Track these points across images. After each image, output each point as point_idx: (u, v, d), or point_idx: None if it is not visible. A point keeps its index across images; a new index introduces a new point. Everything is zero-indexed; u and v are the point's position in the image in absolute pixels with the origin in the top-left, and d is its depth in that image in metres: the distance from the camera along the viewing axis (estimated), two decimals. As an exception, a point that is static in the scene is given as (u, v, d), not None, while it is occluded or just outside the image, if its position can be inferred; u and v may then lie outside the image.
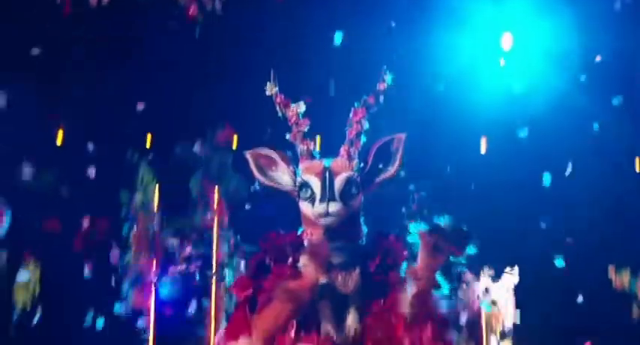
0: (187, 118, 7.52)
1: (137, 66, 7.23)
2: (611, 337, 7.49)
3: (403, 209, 5.60)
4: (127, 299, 6.80)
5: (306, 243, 3.36)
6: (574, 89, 7.64)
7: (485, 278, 7.58)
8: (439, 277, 3.25)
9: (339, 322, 3.26)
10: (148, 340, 6.83)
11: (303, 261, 3.34)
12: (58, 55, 7.22)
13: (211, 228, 7.11)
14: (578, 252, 7.67)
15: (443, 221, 3.15)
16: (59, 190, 7.42)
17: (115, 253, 6.94)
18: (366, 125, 3.58)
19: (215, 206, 7.16)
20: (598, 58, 7.37)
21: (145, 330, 6.85)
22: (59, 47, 7.17)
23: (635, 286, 6.67)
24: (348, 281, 3.30)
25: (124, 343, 7.16)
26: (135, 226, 7.06)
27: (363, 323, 3.24)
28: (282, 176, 3.53)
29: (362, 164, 3.53)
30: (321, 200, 3.33)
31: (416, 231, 3.24)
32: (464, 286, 7.56)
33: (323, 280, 3.25)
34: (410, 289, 3.19)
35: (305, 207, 3.41)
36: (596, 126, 7.89)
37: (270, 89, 3.65)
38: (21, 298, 6.91)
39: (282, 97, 3.67)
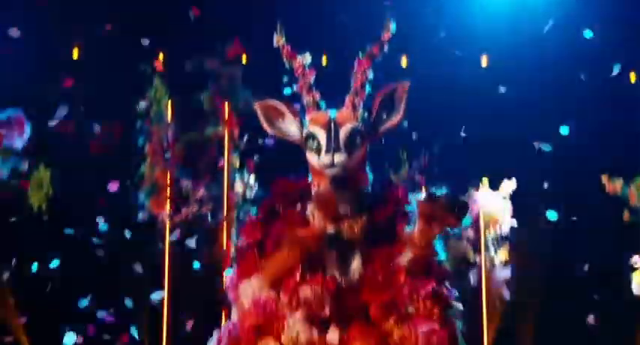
0: (198, 34, 7.41)
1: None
2: (603, 238, 7.58)
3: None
4: (144, 208, 6.85)
5: (313, 193, 3.33)
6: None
7: (484, 188, 7.63)
8: (437, 244, 3.23)
9: (344, 266, 3.27)
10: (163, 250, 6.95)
11: (311, 209, 3.33)
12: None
13: (222, 139, 7.11)
14: (573, 163, 7.69)
15: (440, 192, 3.09)
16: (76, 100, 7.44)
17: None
18: (370, 75, 3.50)
19: (226, 119, 7.14)
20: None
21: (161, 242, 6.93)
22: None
23: (626, 191, 6.69)
24: (354, 227, 3.29)
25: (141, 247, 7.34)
26: (149, 138, 7.04)
27: (367, 269, 3.24)
28: (290, 127, 3.45)
29: (366, 114, 3.46)
30: (327, 151, 3.28)
31: (414, 199, 3.19)
32: (466, 196, 7.66)
33: (330, 229, 3.24)
34: (407, 255, 3.18)
35: (312, 157, 3.36)
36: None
37: (278, 41, 3.55)
38: (35, 198, 6.94)
39: (289, 48, 3.57)
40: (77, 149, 7.29)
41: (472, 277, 7.57)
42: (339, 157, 3.27)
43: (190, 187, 6.53)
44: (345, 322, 3.11)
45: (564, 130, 7.62)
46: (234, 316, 3.29)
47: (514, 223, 7.76)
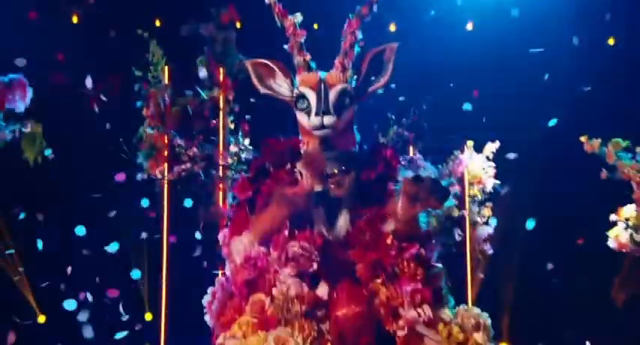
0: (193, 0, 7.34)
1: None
2: (581, 194, 7.58)
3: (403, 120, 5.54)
4: (143, 169, 6.80)
5: (302, 152, 3.31)
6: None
7: (468, 149, 7.62)
8: (420, 219, 3.22)
9: (332, 222, 3.26)
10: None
11: (300, 168, 3.31)
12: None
13: (217, 103, 7.06)
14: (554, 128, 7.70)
15: (426, 173, 3.08)
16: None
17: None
18: (359, 35, 3.45)
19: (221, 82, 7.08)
20: None
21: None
22: None
23: (604, 150, 6.69)
24: (342, 184, 3.27)
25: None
26: (147, 101, 6.99)
27: (354, 225, 3.23)
28: (280, 86, 3.43)
29: (355, 75, 3.42)
30: (317, 113, 3.26)
31: (401, 179, 3.17)
32: (452, 156, 7.66)
33: (318, 188, 3.22)
34: (390, 225, 3.17)
35: (302, 118, 3.34)
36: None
37: None
38: (30, 152, 6.86)
39: (280, 6, 3.52)
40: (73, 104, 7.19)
41: (457, 233, 7.57)
42: (329, 120, 3.26)
43: (183, 146, 6.48)
44: (333, 278, 3.11)
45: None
46: (228, 271, 3.29)
47: (497, 182, 7.77)
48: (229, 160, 6.34)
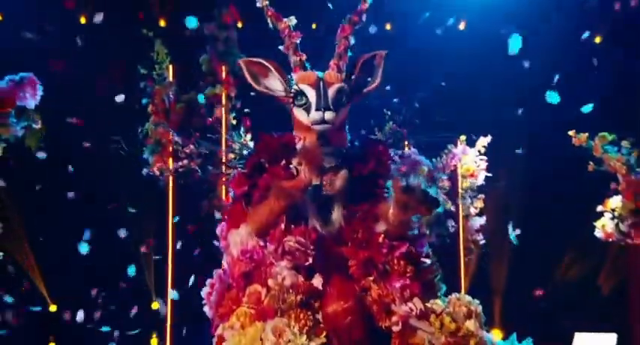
0: (196, 1, 7.31)
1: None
2: (569, 186, 7.56)
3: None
4: (149, 163, 6.76)
5: (299, 147, 3.27)
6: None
7: (461, 144, 7.60)
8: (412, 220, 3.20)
9: (326, 217, 3.22)
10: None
11: (296, 163, 3.28)
12: None
13: (220, 100, 7.02)
14: (544, 120, 7.67)
15: (416, 182, 3.05)
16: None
17: None
18: (352, 41, 3.43)
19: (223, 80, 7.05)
20: None
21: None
22: None
23: (591, 144, 6.66)
24: (335, 182, 3.24)
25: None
26: (152, 98, 6.96)
27: (347, 222, 3.19)
28: (274, 83, 3.38)
29: (353, 76, 3.40)
30: (317, 109, 3.23)
31: (392, 182, 3.13)
32: (445, 151, 7.63)
33: (317, 181, 3.18)
34: (382, 226, 3.14)
35: (299, 114, 3.30)
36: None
37: (261, 2, 3.46)
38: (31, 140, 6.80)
39: (273, 10, 3.48)
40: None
41: (450, 225, 7.56)
42: (329, 115, 3.24)
43: (180, 143, 6.43)
44: (327, 271, 3.08)
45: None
46: (225, 263, 3.26)
47: (488, 175, 7.75)
48: (231, 156, 6.28)
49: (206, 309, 3.26)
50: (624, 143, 6.52)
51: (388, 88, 4.08)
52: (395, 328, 3.00)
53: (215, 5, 7.10)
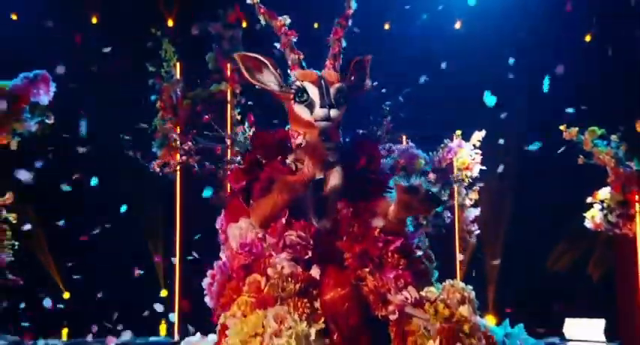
0: (203, 1, 7.28)
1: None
2: (559, 177, 7.54)
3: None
4: (157, 157, 6.73)
5: (300, 143, 3.23)
6: None
7: (457, 139, 7.59)
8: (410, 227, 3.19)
9: (321, 212, 3.20)
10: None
11: (291, 159, 3.25)
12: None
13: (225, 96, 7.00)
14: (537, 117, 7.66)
15: (419, 181, 3.02)
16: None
17: None
18: (344, 43, 3.41)
19: (228, 77, 7.02)
20: None
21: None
22: None
23: (581, 138, 6.65)
24: (330, 177, 3.21)
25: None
26: (160, 95, 6.94)
27: (342, 216, 3.17)
28: (269, 79, 3.34)
29: (350, 77, 3.38)
30: (322, 106, 3.19)
31: (394, 184, 3.10)
32: (441, 145, 7.62)
33: (320, 175, 3.16)
34: (379, 221, 3.12)
35: (301, 110, 3.25)
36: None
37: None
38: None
39: (265, 8, 3.44)
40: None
41: (446, 215, 7.55)
42: (334, 113, 3.23)
43: (179, 141, 6.40)
44: (324, 263, 3.07)
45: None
46: (223, 256, 3.23)
47: (483, 168, 7.74)
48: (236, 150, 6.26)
49: (207, 299, 3.24)
50: (613, 137, 6.52)
51: (384, 90, 4.04)
52: (392, 317, 2.99)
53: (220, 5, 7.06)
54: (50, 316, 7.17)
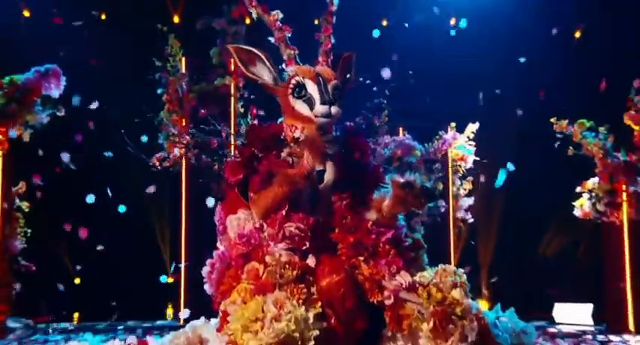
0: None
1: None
2: (550, 167, 7.50)
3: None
4: (164, 148, 6.70)
5: (301, 137, 3.17)
6: None
7: (452, 131, 7.56)
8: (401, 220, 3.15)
9: (316, 204, 3.16)
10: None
11: (286, 152, 3.20)
12: None
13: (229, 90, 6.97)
14: (529, 110, 7.63)
15: (414, 177, 2.98)
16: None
17: None
18: (333, 40, 3.35)
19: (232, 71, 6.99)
20: None
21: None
22: None
23: (570, 130, 6.60)
24: (332, 168, 3.17)
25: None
26: (167, 88, 6.92)
27: (336, 208, 3.13)
28: (263, 72, 3.28)
29: (342, 75, 3.32)
30: (323, 102, 3.14)
31: (389, 180, 3.06)
32: (437, 137, 7.60)
33: (320, 167, 3.12)
34: (373, 214, 3.09)
35: (300, 106, 3.18)
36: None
37: None
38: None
39: (256, 2, 3.38)
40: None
41: (441, 205, 7.53)
42: (335, 110, 3.17)
43: (176, 134, 6.36)
44: (319, 253, 3.03)
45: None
46: (221, 246, 3.19)
47: (477, 159, 7.72)
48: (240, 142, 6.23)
49: (207, 287, 3.20)
50: (601, 129, 6.49)
51: (375, 88, 3.99)
52: (387, 302, 2.97)
53: (224, 2, 7.02)
54: (62, 300, 7.17)
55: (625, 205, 6.36)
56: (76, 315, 7.51)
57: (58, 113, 6.60)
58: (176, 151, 6.35)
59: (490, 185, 8.18)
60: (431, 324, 2.87)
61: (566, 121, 6.61)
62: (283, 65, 3.30)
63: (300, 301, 2.87)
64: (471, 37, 7.70)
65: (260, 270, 2.98)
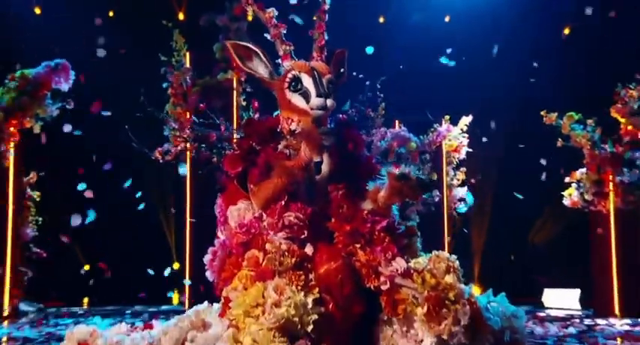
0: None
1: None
2: (541, 159, 7.50)
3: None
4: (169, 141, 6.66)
5: (298, 129, 3.15)
6: None
7: (446, 123, 7.55)
8: (394, 210, 3.13)
9: (313, 194, 3.14)
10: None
11: (283, 145, 3.18)
12: None
13: (232, 84, 6.93)
14: (519, 103, 7.61)
15: (409, 169, 2.96)
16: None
17: None
18: (326, 37, 3.33)
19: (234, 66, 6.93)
20: None
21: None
22: None
23: (560, 122, 6.59)
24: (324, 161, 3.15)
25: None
26: (171, 83, 6.88)
27: (332, 198, 3.11)
28: (259, 67, 3.26)
29: (337, 69, 3.30)
30: (318, 95, 3.12)
31: (385, 172, 3.04)
32: (431, 129, 7.57)
33: (317, 158, 3.10)
34: (368, 204, 3.08)
35: (296, 99, 3.15)
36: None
37: None
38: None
39: (252, 0, 3.35)
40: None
41: (435, 194, 7.52)
42: (330, 102, 3.15)
43: (177, 129, 6.32)
44: (316, 242, 3.02)
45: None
46: (222, 235, 3.17)
47: (469, 150, 7.71)
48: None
49: (208, 274, 3.19)
50: (589, 122, 6.47)
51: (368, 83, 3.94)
52: (383, 287, 2.96)
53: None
54: (72, 285, 7.18)
55: (612, 195, 6.36)
56: (85, 299, 7.53)
57: (67, 106, 6.60)
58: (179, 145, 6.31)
59: (483, 177, 8.22)
60: (425, 308, 2.86)
61: (556, 114, 6.60)
62: (279, 60, 3.27)
63: (299, 288, 2.86)
64: (464, 33, 7.69)
65: (260, 258, 2.97)
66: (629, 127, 6.38)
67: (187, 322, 2.98)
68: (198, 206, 6.84)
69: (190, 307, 3.28)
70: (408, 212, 6.08)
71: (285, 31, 3.30)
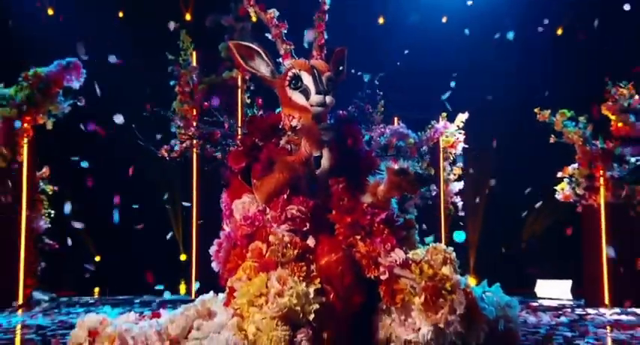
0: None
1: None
2: (534, 154, 7.48)
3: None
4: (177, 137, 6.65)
5: (298, 125, 3.13)
6: None
7: (443, 120, 7.53)
8: (393, 203, 3.12)
9: (315, 187, 3.13)
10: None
11: (284, 141, 3.16)
12: None
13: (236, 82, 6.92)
14: (516, 99, 7.59)
15: (407, 164, 2.94)
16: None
17: None
18: (326, 36, 3.31)
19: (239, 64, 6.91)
20: None
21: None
22: None
23: (553, 119, 6.57)
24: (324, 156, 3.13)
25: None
26: (178, 81, 6.88)
27: (333, 191, 3.10)
28: (260, 66, 3.25)
29: (338, 67, 3.29)
30: (318, 93, 3.10)
31: (385, 167, 3.03)
32: (429, 126, 7.56)
33: (317, 153, 3.09)
34: (368, 198, 3.06)
35: (297, 96, 3.14)
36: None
37: None
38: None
39: (254, 1, 3.34)
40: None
41: (432, 189, 7.51)
42: (329, 99, 3.13)
43: (182, 127, 6.30)
44: (318, 234, 3.01)
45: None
46: (227, 227, 3.16)
47: (466, 147, 7.70)
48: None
49: (214, 265, 3.18)
50: (581, 119, 6.46)
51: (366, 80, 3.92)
52: (382, 277, 2.96)
53: (232, 0, 6.96)
54: (83, 275, 7.17)
55: (602, 189, 6.35)
56: (96, 289, 7.53)
57: (78, 103, 6.59)
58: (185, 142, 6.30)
59: (479, 172, 8.20)
60: (422, 298, 2.87)
61: (549, 111, 6.58)
62: (280, 59, 3.26)
63: (301, 278, 2.86)
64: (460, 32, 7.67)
65: (263, 249, 2.97)
66: (620, 124, 6.37)
67: (193, 311, 2.97)
68: (205, 200, 6.84)
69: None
70: (406, 205, 6.07)
71: (285, 31, 3.28)
